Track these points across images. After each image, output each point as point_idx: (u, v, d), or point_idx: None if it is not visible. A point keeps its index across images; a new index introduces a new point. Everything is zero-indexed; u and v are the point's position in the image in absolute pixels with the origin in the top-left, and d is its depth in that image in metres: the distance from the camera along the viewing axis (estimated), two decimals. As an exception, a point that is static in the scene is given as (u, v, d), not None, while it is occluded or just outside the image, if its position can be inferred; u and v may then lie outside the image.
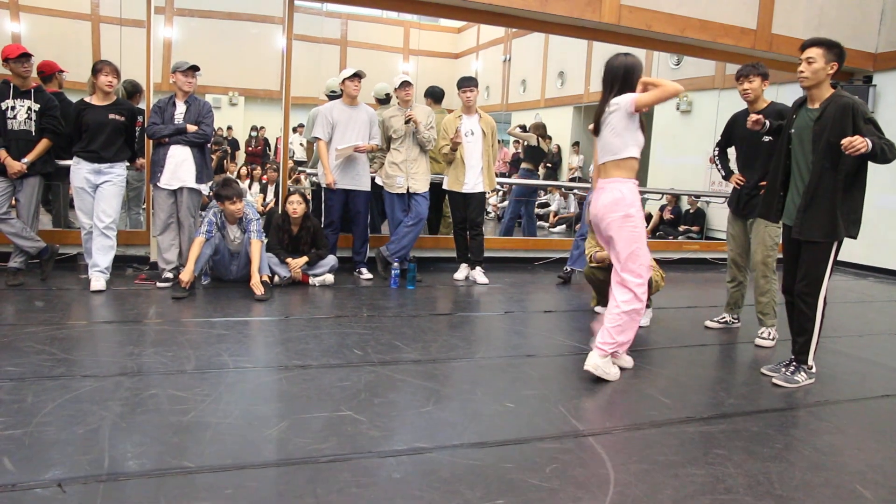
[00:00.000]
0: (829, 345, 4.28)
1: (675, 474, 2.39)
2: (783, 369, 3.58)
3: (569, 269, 6.04)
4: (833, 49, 3.36)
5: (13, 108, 4.50)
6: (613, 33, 6.59)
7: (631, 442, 2.69)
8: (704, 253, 7.98)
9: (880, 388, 3.62)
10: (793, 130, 3.53)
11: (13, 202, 4.65)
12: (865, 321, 5.46)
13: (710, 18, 6.69)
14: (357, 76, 5.26)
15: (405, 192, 5.47)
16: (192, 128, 4.74)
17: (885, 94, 7.84)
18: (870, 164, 3.31)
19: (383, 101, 6.30)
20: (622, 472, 2.37)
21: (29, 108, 4.54)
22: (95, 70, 4.61)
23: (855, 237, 3.41)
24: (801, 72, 3.39)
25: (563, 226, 10.72)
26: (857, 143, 3.12)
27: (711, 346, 4.27)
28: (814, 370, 3.58)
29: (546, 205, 11.47)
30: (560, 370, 3.58)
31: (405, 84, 5.36)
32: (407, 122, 5.31)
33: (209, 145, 5.08)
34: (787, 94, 8.63)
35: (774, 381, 3.53)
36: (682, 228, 9.63)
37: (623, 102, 3.26)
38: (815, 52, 3.36)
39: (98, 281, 4.54)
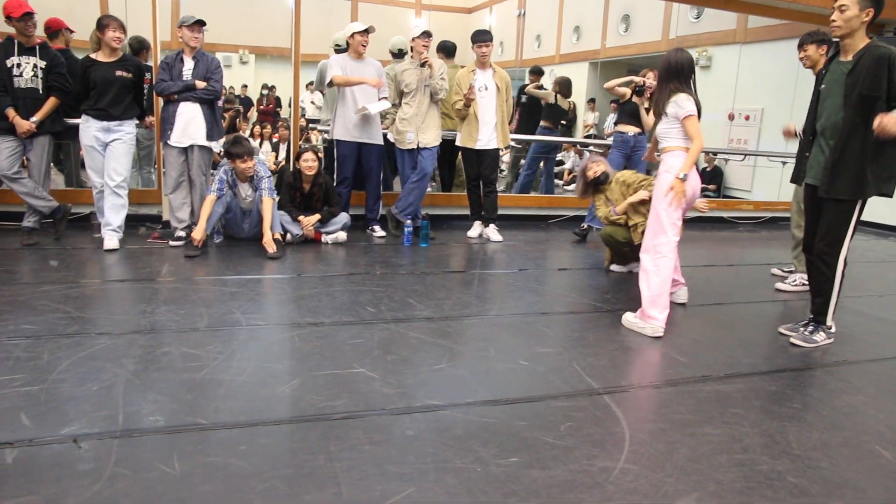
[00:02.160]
0: (849, 304, 4.20)
1: (691, 433, 2.37)
2: (801, 329, 3.53)
3: (585, 226, 5.96)
4: None
5: (19, 65, 4.43)
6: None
7: (646, 400, 2.67)
8: (721, 211, 7.86)
9: (901, 348, 3.56)
10: (823, 86, 3.37)
11: (24, 162, 4.63)
12: (886, 281, 5.37)
13: (734, -33, 6.44)
14: (367, 31, 5.14)
15: (416, 147, 5.39)
16: (200, 84, 4.66)
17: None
18: None
19: (397, 55, 6.17)
20: (637, 431, 2.35)
21: (35, 66, 4.48)
22: (101, 25, 4.51)
23: (890, 195, 3.29)
24: (833, 20, 3.23)
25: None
26: (889, 127, 2.99)
27: (728, 304, 4.22)
28: (833, 330, 3.52)
29: (561, 163, 11.31)
30: (575, 328, 3.54)
31: (426, 34, 5.23)
32: (422, 64, 5.19)
33: (220, 103, 5.00)
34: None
35: (792, 340, 3.48)
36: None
37: (680, 113, 3.49)
38: (846, 1, 3.17)
39: (111, 240, 4.54)
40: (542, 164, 7.86)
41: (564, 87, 7.72)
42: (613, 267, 4.78)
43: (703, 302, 4.12)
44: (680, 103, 3.47)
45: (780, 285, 4.74)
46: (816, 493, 2.04)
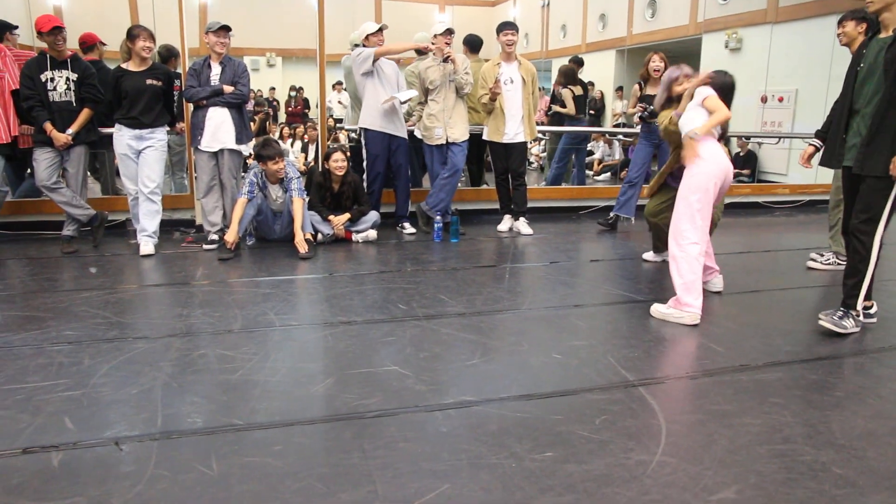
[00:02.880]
0: (892, 288, 4.08)
1: (730, 424, 2.32)
2: (834, 313, 3.36)
3: (613, 216, 5.89)
4: None
5: (52, 79, 4.54)
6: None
7: (683, 392, 2.63)
8: (756, 196, 7.69)
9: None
10: (861, 65, 3.27)
11: (62, 172, 4.75)
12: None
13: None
14: (380, 31, 5.16)
15: (444, 143, 5.38)
16: (228, 88, 4.73)
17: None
18: None
19: (421, 52, 6.16)
20: (674, 423, 2.32)
21: (67, 79, 4.58)
22: (132, 36, 4.61)
23: None
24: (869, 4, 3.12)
25: (608, 173, 10.47)
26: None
27: (765, 291, 4.12)
28: (874, 310, 3.42)
29: (590, 152, 11.20)
30: (608, 320, 3.50)
31: (448, 31, 5.22)
32: (445, 59, 5.18)
33: (248, 106, 5.07)
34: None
35: (822, 322, 3.32)
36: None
37: (698, 98, 3.69)
38: None
39: (147, 245, 4.64)
40: (573, 156, 7.77)
41: (568, 77, 7.60)
42: (646, 256, 4.71)
43: (740, 290, 4.04)
44: (699, 92, 3.62)
45: (812, 263, 4.74)
46: (863, 484, 1.98)
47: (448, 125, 5.33)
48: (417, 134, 5.60)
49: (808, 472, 2.03)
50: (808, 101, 8.72)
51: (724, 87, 3.67)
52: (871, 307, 3.51)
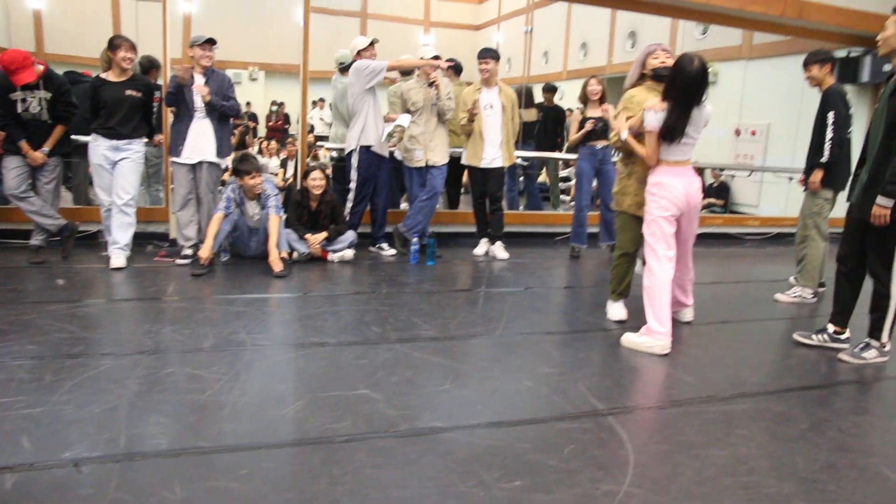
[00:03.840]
0: (852, 321, 4.16)
1: (697, 455, 2.35)
2: (856, 347, 3.49)
3: (578, 246, 6.00)
4: None
5: (24, 100, 4.46)
6: (638, 2, 6.40)
7: (651, 422, 2.65)
8: (728, 227, 7.82)
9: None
10: (877, 105, 3.39)
11: (32, 182, 4.67)
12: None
13: (739, -15, 6.47)
14: (372, 45, 5.19)
15: (424, 165, 5.40)
16: (202, 89, 4.64)
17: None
18: None
19: (406, 73, 6.21)
20: (642, 453, 2.33)
21: (41, 99, 4.51)
22: (113, 46, 4.57)
23: None
24: (877, 40, 3.36)
25: (590, 199, 10.57)
26: (876, 220, 3.19)
27: (735, 322, 4.18)
28: (887, 349, 3.47)
29: (567, 179, 11.32)
30: (580, 347, 3.53)
31: (435, 58, 5.27)
32: (430, 84, 5.22)
33: (231, 120, 5.06)
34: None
35: (841, 356, 3.47)
36: (705, 201, 9.47)
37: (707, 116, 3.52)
38: (889, 21, 3.30)
39: (118, 258, 4.57)
40: (521, 179, 7.84)
41: (527, 97, 7.75)
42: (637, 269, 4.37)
43: (710, 320, 4.10)
44: (646, 120, 3.46)
45: (778, 295, 4.82)
46: (824, 519, 2.02)
47: (428, 148, 5.37)
48: (397, 155, 5.62)
49: (772, 506, 2.06)
50: (779, 135, 8.94)
51: (688, 82, 3.36)
52: (842, 333, 3.64)
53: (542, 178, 11.01)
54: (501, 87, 5.51)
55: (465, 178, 6.58)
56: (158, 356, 2.98)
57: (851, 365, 3.42)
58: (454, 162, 5.82)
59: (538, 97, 8.36)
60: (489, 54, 5.39)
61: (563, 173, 11.67)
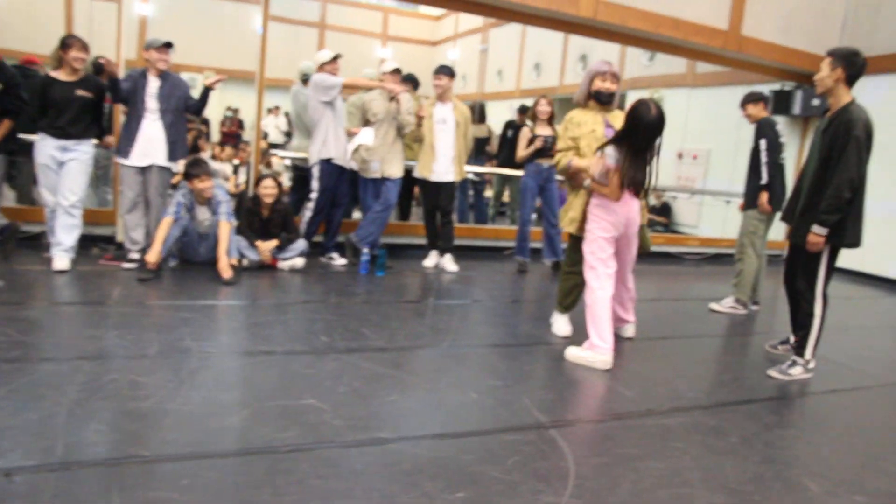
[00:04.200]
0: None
1: (635, 468, 2.43)
2: (784, 364, 3.73)
3: (519, 260, 6.14)
4: (841, 57, 3.45)
5: None
6: (590, 27, 6.60)
7: (592, 435, 2.73)
8: (669, 247, 8.09)
9: (827, 383, 3.70)
10: (813, 139, 3.66)
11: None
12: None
13: (684, 17, 6.74)
14: (335, 59, 5.22)
15: (380, 177, 5.44)
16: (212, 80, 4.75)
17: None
18: (870, 174, 3.47)
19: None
20: (582, 465, 2.41)
21: None
22: (65, 45, 4.46)
23: (840, 246, 3.55)
24: (814, 81, 3.60)
25: (534, 215, 10.76)
26: (812, 247, 3.49)
27: (672, 339, 4.34)
28: (811, 366, 3.71)
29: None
30: (526, 360, 3.60)
31: (396, 71, 5.34)
32: (391, 98, 5.27)
33: (186, 123, 5.02)
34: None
35: (770, 372, 3.69)
36: (648, 220, 9.76)
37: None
38: (824, 63, 3.49)
39: (62, 260, 4.44)
40: (470, 192, 7.98)
41: (478, 112, 7.91)
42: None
43: (650, 336, 4.24)
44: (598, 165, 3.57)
45: (713, 305, 5.26)
46: (749, 528, 2.12)
47: (385, 160, 5.41)
48: (353, 166, 5.64)
49: (701, 516, 2.15)
50: (718, 160, 9.32)
51: (643, 129, 3.46)
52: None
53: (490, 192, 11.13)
54: (455, 103, 5.61)
55: (416, 190, 6.65)
56: (100, 362, 2.92)
57: (779, 381, 3.62)
58: (406, 174, 5.88)
59: (492, 114, 8.50)
60: (444, 70, 5.48)
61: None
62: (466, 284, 5.33)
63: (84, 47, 4.50)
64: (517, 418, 2.77)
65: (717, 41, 6.98)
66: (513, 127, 8.13)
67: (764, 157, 5.01)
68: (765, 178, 5.01)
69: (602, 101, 3.81)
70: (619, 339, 4.07)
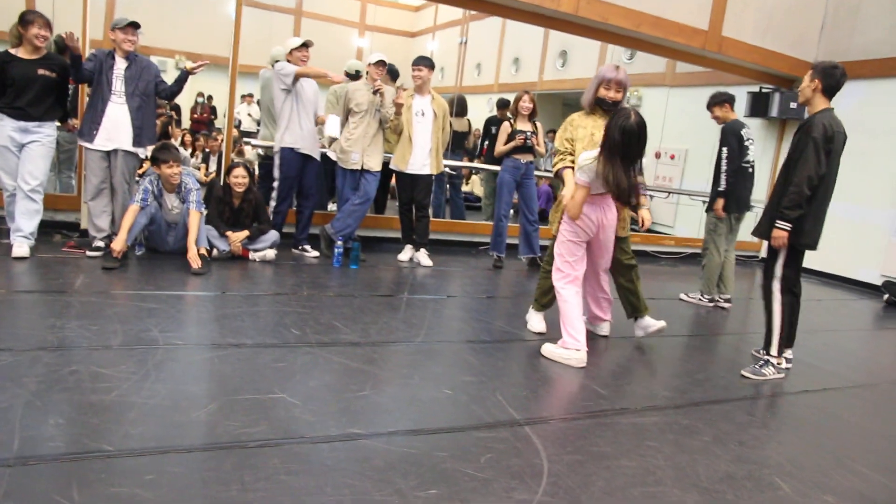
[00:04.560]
0: (752, 341, 4.42)
1: (608, 466, 2.42)
2: (754, 364, 3.84)
3: (494, 256, 6.12)
4: (820, 70, 3.66)
5: None
6: (570, 23, 6.60)
7: (566, 432, 2.71)
8: (645, 245, 8.14)
9: (798, 384, 3.76)
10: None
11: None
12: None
13: (665, 16, 6.77)
14: (305, 46, 5.12)
15: (359, 168, 5.36)
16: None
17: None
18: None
19: (353, 77, 6.16)
20: (556, 463, 2.38)
21: None
22: (25, 21, 4.29)
23: (797, 245, 3.69)
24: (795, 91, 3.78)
25: (511, 210, 10.76)
26: (775, 241, 3.67)
27: (648, 338, 4.34)
28: (783, 366, 3.82)
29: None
30: (500, 357, 3.58)
31: (381, 63, 5.26)
32: (375, 92, 5.20)
33: (155, 109, 4.89)
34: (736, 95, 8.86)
35: (743, 372, 3.78)
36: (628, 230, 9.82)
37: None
38: (806, 75, 3.71)
39: (21, 247, 4.29)
40: (447, 188, 7.96)
41: (459, 105, 7.85)
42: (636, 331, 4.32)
43: (625, 334, 4.24)
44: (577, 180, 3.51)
45: (682, 295, 5.68)
46: (722, 528, 2.12)
47: (366, 152, 5.33)
48: (331, 155, 5.55)
49: (675, 516, 2.15)
50: (695, 160, 9.39)
51: (621, 136, 3.32)
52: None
53: (469, 188, 11.15)
54: (434, 95, 5.55)
55: (392, 182, 6.58)
56: (61, 353, 2.81)
57: (753, 381, 3.66)
58: (383, 167, 5.81)
59: (469, 108, 8.45)
60: (423, 62, 5.42)
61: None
62: (441, 279, 5.29)
63: (47, 24, 4.34)
64: (491, 415, 2.74)
65: (697, 41, 7.03)
66: (495, 123, 8.09)
67: (724, 165, 5.33)
68: (722, 186, 5.35)
69: (605, 108, 3.82)
70: (595, 337, 4.09)
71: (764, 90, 8.21)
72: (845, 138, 3.68)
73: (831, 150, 3.60)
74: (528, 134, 5.76)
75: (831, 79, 3.63)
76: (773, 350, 3.78)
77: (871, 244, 7.52)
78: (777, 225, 3.63)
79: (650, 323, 4.12)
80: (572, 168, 3.76)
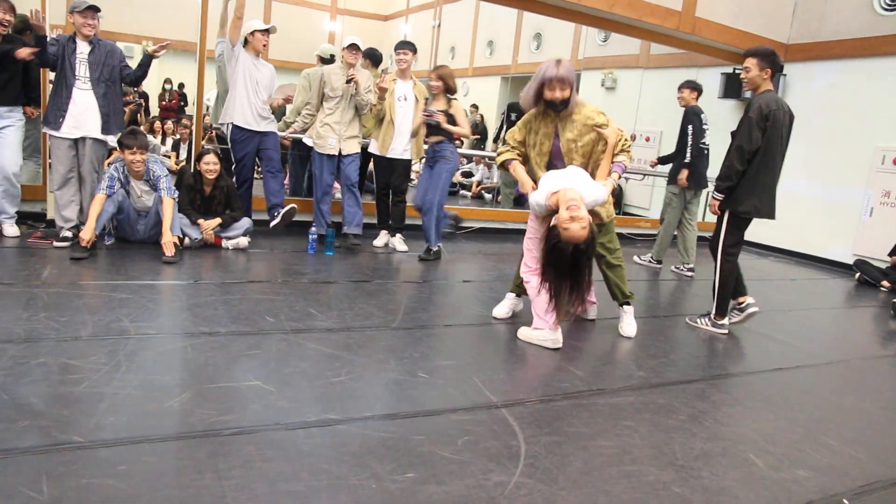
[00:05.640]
0: (748, 323, 4.48)
1: (585, 446, 2.43)
2: (699, 314, 4.40)
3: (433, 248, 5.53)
4: (767, 57, 3.90)
5: None
6: (544, 4, 6.56)
7: (543, 414, 2.72)
8: (620, 228, 8.18)
9: (774, 362, 3.82)
10: None
11: None
12: (764, 298, 5.74)
13: (639, -3, 6.77)
14: (268, 31, 5.03)
15: (336, 153, 5.28)
16: (24, 53, 4.27)
17: (793, 84, 8.20)
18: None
19: (327, 61, 6.06)
20: (533, 444, 2.39)
21: None
22: (-14, 4, 4.17)
23: (734, 212, 4.06)
24: (742, 79, 4.04)
25: (489, 195, 10.77)
26: (711, 208, 4.17)
27: (624, 319, 4.38)
28: (720, 322, 4.26)
29: (469, 174, 11.47)
30: (476, 340, 3.58)
31: (353, 46, 5.15)
32: (348, 81, 5.12)
33: (123, 97, 4.78)
34: (706, 78, 8.91)
35: (687, 319, 4.37)
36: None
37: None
38: (749, 62, 3.92)
39: (13, 227, 4.51)
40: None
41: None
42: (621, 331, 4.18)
43: (601, 316, 4.26)
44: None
45: (635, 258, 6.61)
46: (697, 502, 2.14)
47: (342, 137, 5.26)
48: (308, 141, 5.46)
49: (652, 492, 2.17)
50: (671, 142, 9.38)
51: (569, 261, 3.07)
52: (742, 302, 4.38)
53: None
54: (415, 81, 5.50)
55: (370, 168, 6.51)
56: (29, 345, 2.75)
57: (697, 329, 4.27)
58: (361, 151, 5.74)
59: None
60: (408, 46, 5.38)
61: (464, 168, 11.80)
62: (417, 264, 5.26)
63: (11, 9, 4.23)
64: (468, 398, 2.74)
65: (671, 22, 7.04)
66: (516, 109, 7.95)
67: (690, 140, 5.95)
68: (688, 158, 5.98)
69: (556, 110, 3.53)
70: (579, 319, 4.11)
71: (737, 71, 8.27)
72: (791, 116, 3.98)
73: (766, 128, 3.87)
74: (433, 112, 5.18)
75: (776, 63, 3.92)
76: (713, 311, 4.24)
77: (843, 223, 7.65)
78: (712, 195, 4.12)
79: (628, 323, 4.03)
80: (518, 160, 3.70)
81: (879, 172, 7.30)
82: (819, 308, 5.70)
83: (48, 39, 4.30)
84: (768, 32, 7.87)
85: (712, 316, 4.27)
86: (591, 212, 3.23)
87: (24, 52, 4.22)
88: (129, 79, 4.64)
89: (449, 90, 5.32)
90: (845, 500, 2.29)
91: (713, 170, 5.05)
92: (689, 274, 6.19)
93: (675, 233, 6.35)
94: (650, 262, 6.49)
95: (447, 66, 5.43)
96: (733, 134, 4.05)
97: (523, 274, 3.65)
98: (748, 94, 8.12)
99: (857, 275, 7.01)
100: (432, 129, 5.29)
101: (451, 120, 5.25)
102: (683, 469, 2.35)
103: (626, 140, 3.52)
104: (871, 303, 6.07)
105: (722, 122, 7.38)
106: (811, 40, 7.98)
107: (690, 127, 5.94)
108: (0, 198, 4.43)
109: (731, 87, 8.28)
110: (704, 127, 5.99)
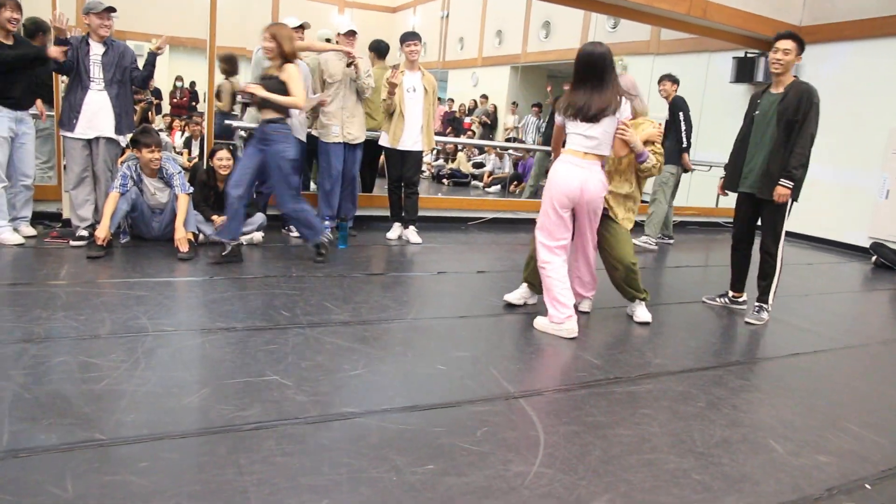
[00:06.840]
0: (737, 309, 4.45)
1: (604, 435, 2.43)
2: (753, 311, 4.24)
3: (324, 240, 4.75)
4: (802, 42, 3.96)
5: None
6: (552, -8, 6.51)
7: (561, 403, 2.71)
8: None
9: (790, 347, 3.79)
10: (757, 112, 4.11)
11: None
12: (780, 283, 5.68)
13: (649, -19, 6.70)
14: (302, 28, 5.04)
15: (342, 140, 5.28)
16: (56, 52, 4.25)
17: (805, 67, 8.08)
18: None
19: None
20: (552, 434, 2.39)
21: None
22: (-6, 5, 4.18)
23: (795, 200, 4.07)
24: (777, 60, 3.95)
25: (498, 185, 10.74)
26: (780, 198, 3.95)
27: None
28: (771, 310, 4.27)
29: (481, 164, 11.45)
30: (492, 331, 3.57)
31: (352, 33, 5.13)
32: (349, 64, 5.10)
33: (134, 95, 4.80)
34: (717, 62, 8.81)
35: (747, 319, 4.20)
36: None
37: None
38: (789, 45, 3.91)
39: (28, 228, 4.55)
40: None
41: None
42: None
43: (615, 304, 4.24)
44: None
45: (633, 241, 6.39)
46: (717, 489, 2.13)
47: (346, 124, 5.25)
48: (313, 132, 5.46)
49: (672, 480, 2.16)
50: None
51: (582, 63, 3.64)
52: (739, 297, 4.49)
53: (456, 164, 11.08)
54: (423, 71, 5.49)
55: (381, 160, 6.50)
56: (48, 344, 2.78)
57: (755, 326, 4.12)
58: (371, 144, 5.73)
59: (453, 83, 8.37)
60: (416, 37, 5.39)
61: (476, 159, 11.77)
62: (431, 256, 5.26)
63: (17, 7, 4.22)
64: (485, 389, 2.74)
65: (681, 7, 6.96)
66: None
67: (683, 126, 6.47)
68: (685, 143, 6.52)
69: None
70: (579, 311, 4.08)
71: (749, 55, 8.17)
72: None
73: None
74: (243, 87, 4.50)
75: (803, 50, 3.98)
76: (772, 298, 4.21)
77: (860, 206, 7.56)
78: (782, 184, 3.91)
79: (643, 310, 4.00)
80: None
81: (895, 154, 7.20)
82: (836, 292, 5.65)
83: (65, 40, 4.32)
84: (780, 15, 7.76)
85: (769, 304, 4.23)
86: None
87: (56, 52, 4.23)
88: (138, 81, 4.64)
89: (283, 54, 4.32)
90: (867, 485, 2.28)
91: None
92: (671, 242, 6.98)
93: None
94: (647, 243, 6.61)
95: (285, 25, 4.47)
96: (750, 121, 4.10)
97: (537, 250, 3.62)
98: (760, 78, 8.07)
99: (874, 258, 6.93)
100: (262, 104, 4.34)
101: (284, 90, 4.30)
102: (703, 456, 2.34)
103: (658, 149, 3.90)
104: (888, 286, 6.00)
105: (733, 107, 7.30)
106: (824, 22, 7.86)
107: (682, 114, 6.49)
108: (22, 202, 4.52)
109: (743, 71, 8.18)
110: (689, 115, 6.60)
